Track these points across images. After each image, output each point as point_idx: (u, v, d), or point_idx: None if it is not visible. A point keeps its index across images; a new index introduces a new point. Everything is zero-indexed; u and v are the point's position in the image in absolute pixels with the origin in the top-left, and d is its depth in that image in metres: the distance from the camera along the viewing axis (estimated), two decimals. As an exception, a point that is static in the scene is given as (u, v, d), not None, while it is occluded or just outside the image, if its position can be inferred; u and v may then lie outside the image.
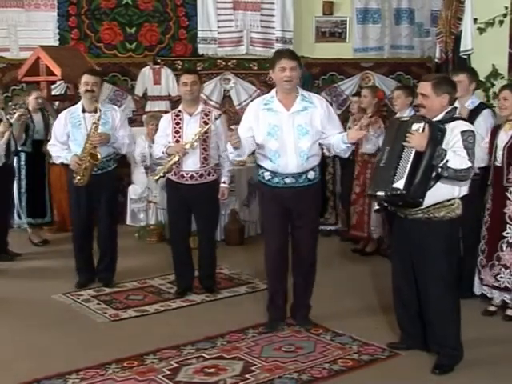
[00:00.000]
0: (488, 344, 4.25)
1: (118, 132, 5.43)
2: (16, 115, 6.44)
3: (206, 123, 5.07)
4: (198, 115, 5.13)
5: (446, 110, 3.84)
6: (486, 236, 4.75)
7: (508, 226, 4.63)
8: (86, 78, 5.33)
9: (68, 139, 5.40)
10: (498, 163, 4.63)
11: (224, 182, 5.29)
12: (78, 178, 5.28)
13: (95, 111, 5.27)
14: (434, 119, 3.82)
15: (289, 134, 4.28)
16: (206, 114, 5.14)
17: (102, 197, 5.44)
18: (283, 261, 4.51)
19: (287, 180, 4.33)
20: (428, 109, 3.85)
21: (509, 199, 4.61)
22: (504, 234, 4.64)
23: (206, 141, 5.09)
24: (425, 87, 3.84)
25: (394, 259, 4.17)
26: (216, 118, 5.08)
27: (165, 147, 5.10)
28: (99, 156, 5.24)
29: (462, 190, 3.83)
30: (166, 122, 5.22)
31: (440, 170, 3.66)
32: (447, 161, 3.64)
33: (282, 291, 4.58)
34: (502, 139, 4.62)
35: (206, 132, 5.04)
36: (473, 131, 3.79)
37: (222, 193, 5.28)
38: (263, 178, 4.42)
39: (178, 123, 5.13)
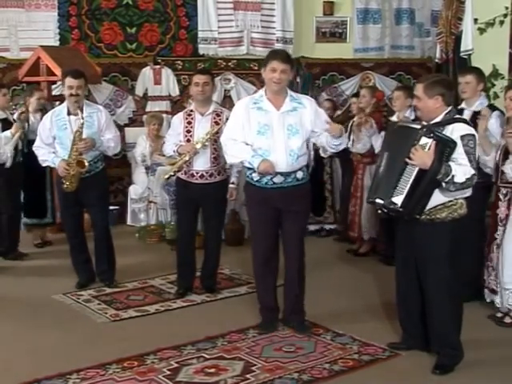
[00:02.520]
0: (488, 344, 4.25)
1: (104, 135, 5.38)
2: (16, 114, 6.45)
3: (217, 123, 5.08)
4: (210, 115, 5.13)
5: (445, 112, 3.79)
6: (488, 237, 4.73)
7: (498, 227, 4.60)
8: (69, 81, 5.21)
9: (54, 141, 5.34)
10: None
11: (233, 183, 5.30)
12: (67, 184, 5.24)
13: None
14: (433, 121, 3.78)
15: (279, 133, 4.27)
16: (218, 115, 5.15)
17: (92, 198, 5.41)
18: (272, 262, 4.49)
19: (276, 179, 4.31)
20: (422, 111, 3.83)
21: (500, 200, 4.59)
22: (495, 235, 4.63)
23: (216, 141, 5.08)
24: (418, 89, 3.81)
25: (396, 260, 4.16)
26: (227, 119, 5.09)
27: (176, 146, 5.10)
28: (86, 163, 5.20)
29: (465, 191, 3.78)
30: (177, 120, 5.23)
31: (445, 184, 3.63)
32: (453, 176, 3.59)
33: (271, 293, 4.56)
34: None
35: (217, 132, 5.05)
36: (473, 134, 3.71)
37: (230, 193, 5.29)
38: (252, 179, 4.39)
39: (189, 122, 5.14)
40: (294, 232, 4.41)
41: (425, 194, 3.67)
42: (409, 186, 3.65)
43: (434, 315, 3.89)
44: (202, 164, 5.10)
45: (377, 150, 6.11)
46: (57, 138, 5.32)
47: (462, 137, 3.67)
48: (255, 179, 4.37)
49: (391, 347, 4.20)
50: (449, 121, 3.76)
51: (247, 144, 4.33)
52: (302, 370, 3.90)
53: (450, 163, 3.62)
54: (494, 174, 4.63)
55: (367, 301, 5.14)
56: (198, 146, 5.01)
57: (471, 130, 3.74)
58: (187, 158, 5.03)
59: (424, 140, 3.65)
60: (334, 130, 4.27)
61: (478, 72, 5.10)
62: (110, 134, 5.42)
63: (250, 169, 4.36)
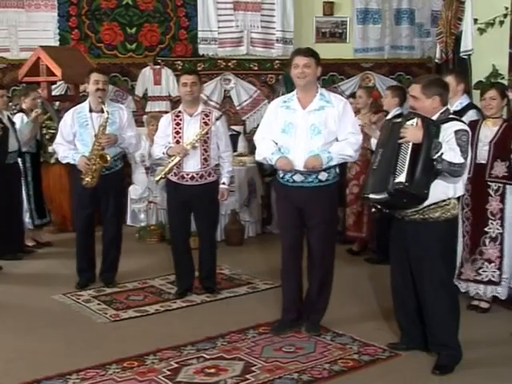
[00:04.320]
0: (486, 344, 4.25)
1: (126, 132, 5.42)
2: (33, 116, 6.44)
3: (206, 124, 5.07)
4: (199, 116, 5.12)
5: (441, 111, 3.86)
6: (469, 231, 4.83)
7: (490, 221, 4.73)
8: (95, 76, 5.29)
9: (74, 138, 5.38)
10: (482, 160, 4.70)
11: (224, 183, 5.27)
12: (88, 179, 5.25)
13: (102, 111, 5.25)
14: None
15: (302, 131, 4.26)
16: (207, 115, 5.13)
17: (109, 197, 5.42)
18: (295, 260, 4.45)
19: (296, 178, 4.30)
20: (419, 111, 3.87)
21: (491, 195, 4.72)
22: (486, 229, 4.74)
23: (206, 141, 5.08)
24: (415, 89, 3.86)
25: (391, 260, 4.17)
26: (217, 119, 5.09)
27: (165, 148, 5.09)
28: (109, 158, 5.22)
29: (457, 189, 3.84)
30: (165, 122, 5.20)
31: (435, 162, 3.67)
32: (442, 153, 3.66)
33: (294, 292, 4.51)
34: (486, 135, 4.71)
35: (206, 133, 5.04)
36: (466, 130, 3.81)
37: (221, 194, 5.26)
38: (278, 175, 4.43)
39: (178, 124, 5.12)
40: (314, 234, 4.36)
41: (425, 166, 3.67)
42: (407, 162, 3.68)
43: (431, 315, 3.90)
44: (192, 165, 5.08)
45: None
46: (77, 135, 5.35)
47: (456, 131, 3.76)
48: (280, 176, 4.40)
49: (391, 347, 4.20)
50: (443, 120, 3.83)
51: (275, 142, 4.35)
52: (302, 370, 3.90)
53: (444, 144, 3.69)
54: (478, 170, 4.70)
55: (367, 301, 5.14)
56: (188, 147, 5.00)
57: (465, 127, 3.84)
58: (177, 160, 5.01)
59: (409, 122, 3.76)
60: (306, 164, 4.21)
61: (456, 73, 5.31)
62: (132, 132, 5.48)
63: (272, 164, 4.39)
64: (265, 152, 4.36)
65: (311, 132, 4.25)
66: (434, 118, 3.84)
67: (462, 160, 3.71)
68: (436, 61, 7.40)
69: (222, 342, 4.34)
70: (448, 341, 3.88)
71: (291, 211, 4.37)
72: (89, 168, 5.22)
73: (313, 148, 4.24)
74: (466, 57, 6.91)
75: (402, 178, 3.67)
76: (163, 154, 5.11)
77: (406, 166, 3.67)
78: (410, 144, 3.70)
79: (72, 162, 5.38)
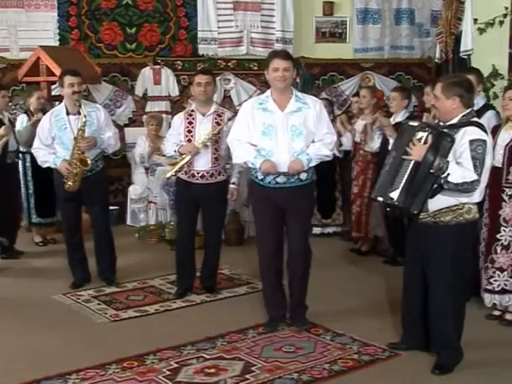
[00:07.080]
0: (488, 345, 4.25)
1: (104, 133, 5.40)
2: (33, 120, 6.43)
3: (218, 124, 5.09)
4: (211, 116, 5.13)
5: (463, 113, 3.75)
6: (485, 238, 4.69)
7: (502, 228, 4.56)
8: (70, 79, 5.24)
9: (53, 142, 5.34)
10: (497, 163, 4.51)
11: (233, 183, 5.30)
12: (70, 183, 5.24)
13: (79, 113, 5.22)
14: (449, 123, 3.77)
15: (283, 134, 4.31)
16: (219, 115, 5.15)
17: (94, 197, 5.42)
18: (277, 260, 4.52)
19: (279, 179, 4.34)
20: (439, 111, 3.83)
21: (504, 201, 4.55)
22: (498, 236, 4.58)
23: (217, 141, 5.11)
24: (437, 88, 3.80)
25: (405, 259, 4.18)
26: (229, 119, 5.10)
27: (177, 146, 5.11)
28: (89, 162, 5.20)
29: (473, 196, 3.74)
30: (178, 120, 5.23)
31: (442, 182, 3.62)
32: (448, 174, 3.58)
33: (278, 290, 4.58)
34: (503, 138, 4.53)
35: (218, 133, 5.06)
36: (484, 140, 3.65)
37: (231, 193, 5.29)
38: (256, 177, 4.44)
39: (190, 123, 5.14)
40: (297, 231, 4.44)
41: (422, 188, 3.66)
42: (404, 179, 3.68)
43: (435, 317, 3.90)
44: (203, 164, 5.10)
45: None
46: (57, 139, 5.32)
47: (471, 141, 3.64)
48: (259, 178, 4.41)
49: (391, 347, 4.20)
50: (463, 123, 3.73)
51: (252, 144, 4.36)
52: (302, 370, 3.91)
53: (452, 164, 3.62)
54: (495, 174, 4.54)
55: (367, 301, 5.14)
56: (200, 146, 5.02)
57: (482, 135, 3.69)
58: (188, 158, 5.04)
59: (420, 134, 3.71)
60: (290, 170, 4.28)
61: (476, 73, 5.11)
62: (110, 132, 5.45)
63: (254, 167, 4.39)
64: (246, 156, 4.37)
65: (292, 133, 4.30)
66: (455, 120, 3.75)
67: (473, 177, 3.60)
68: (436, 61, 7.40)
69: (222, 342, 4.34)
70: (449, 341, 3.88)
71: (273, 212, 4.41)
72: (70, 173, 5.22)
73: (296, 149, 4.30)
74: (465, 57, 6.91)
75: (395, 194, 3.69)
76: (175, 151, 5.13)
77: (402, 184, 3.67)
78: (413, 161, 3.67)
79: (53, 166, 5.35)
